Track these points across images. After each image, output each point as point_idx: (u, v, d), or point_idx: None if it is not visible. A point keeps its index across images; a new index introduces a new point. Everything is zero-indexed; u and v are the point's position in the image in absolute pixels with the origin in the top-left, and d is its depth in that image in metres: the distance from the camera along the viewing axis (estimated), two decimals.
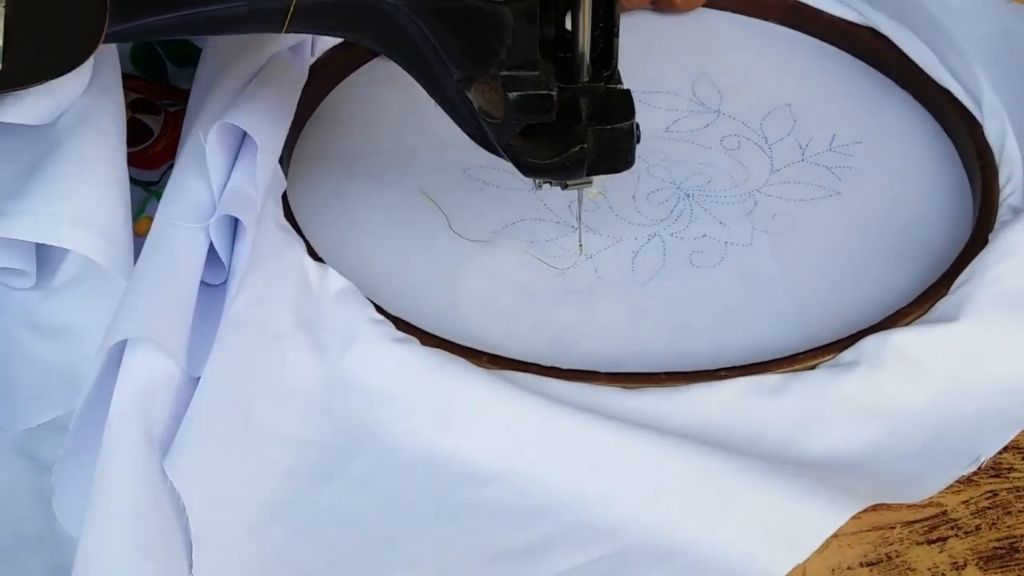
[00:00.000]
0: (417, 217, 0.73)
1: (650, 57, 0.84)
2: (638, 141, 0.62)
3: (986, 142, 0.77)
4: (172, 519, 0.55)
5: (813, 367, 0.64)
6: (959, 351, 0.65)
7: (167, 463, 0.55)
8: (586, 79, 0.61)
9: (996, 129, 0.77)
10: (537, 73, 0.59)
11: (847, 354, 0.64)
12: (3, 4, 0.51)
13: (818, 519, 0.58)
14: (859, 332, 0.65)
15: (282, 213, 0.69)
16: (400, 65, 0.61)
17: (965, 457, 0.62)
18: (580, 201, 0.69)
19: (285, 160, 0.73)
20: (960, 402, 0.64)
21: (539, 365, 0.63)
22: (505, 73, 0.59)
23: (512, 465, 0.60)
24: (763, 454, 0.61)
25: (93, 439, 0.56)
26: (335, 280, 0.66)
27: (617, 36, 0.60)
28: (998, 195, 0.73)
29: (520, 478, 0.60)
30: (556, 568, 0.57)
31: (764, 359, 0.65)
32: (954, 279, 0.68)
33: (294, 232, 0.68)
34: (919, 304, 0.67)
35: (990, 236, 0.70)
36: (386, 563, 0.57)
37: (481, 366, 0.63)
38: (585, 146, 0.61)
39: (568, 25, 0.60)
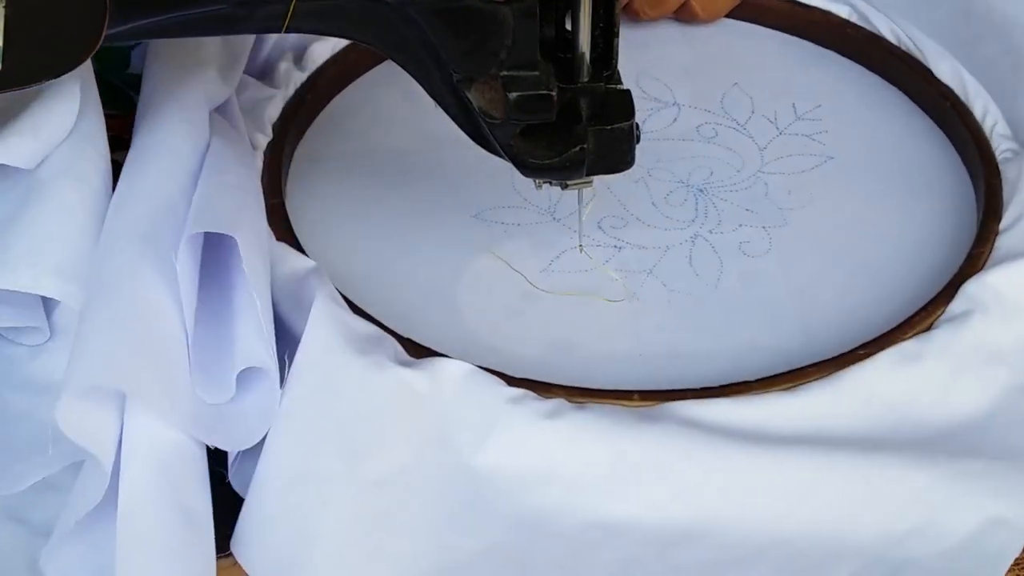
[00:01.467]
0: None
1: None
2: (638, 141, 0.62)
3: (938, 81, 0.79)
4: None
5: (931, 326, 0.65)
6: None
7: None
8: (586, 79, 0.60)
9: (948, 69, 0.79)
10: (537, 73, 0.59)
11: (956, 304, 0.65)
12: (3, 4, 0.51)
13: None
14: (953, 279, 0.66)
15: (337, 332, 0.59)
16: (399, 65, 0.61)
17: None
18: (580, 202, 0.68)
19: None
20: None
21: (692, 389, 0.62)
22: (505, 73, 0.59)
23: (705, 516, 0.58)
24: (930, 424, 0.61)
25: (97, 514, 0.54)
26: (451, 368, 0.59)
27: (617, 36, 0.60)
28: (980, 126, 0.76)
29: (717, 526, 0.58)
30: None
31: (875, 333, 0.65)
32: (998, 211, 0.70)
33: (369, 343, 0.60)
34: (983, 243, 0.68)
35: (1001, 167, 0.72)
36: None
37: (633, 406, 0.61)
38: (585, 146, 0.61)
39: (568, 25, 0.60)
